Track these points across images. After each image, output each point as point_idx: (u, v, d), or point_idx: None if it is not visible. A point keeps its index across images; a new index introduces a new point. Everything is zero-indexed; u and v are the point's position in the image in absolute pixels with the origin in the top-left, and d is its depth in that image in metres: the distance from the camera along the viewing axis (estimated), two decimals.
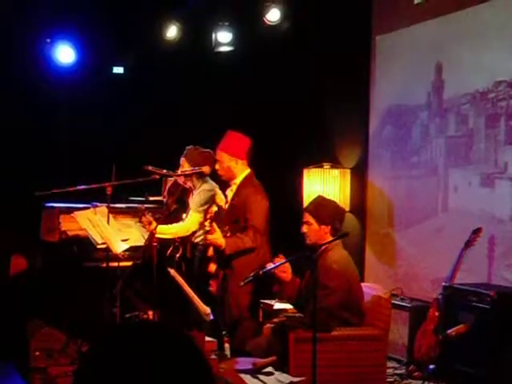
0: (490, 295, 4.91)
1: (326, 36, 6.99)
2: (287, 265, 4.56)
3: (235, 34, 7.23)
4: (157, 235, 5.11)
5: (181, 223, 5.78)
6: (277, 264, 4.45)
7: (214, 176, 5.64)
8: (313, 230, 4.58)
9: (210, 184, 5.81)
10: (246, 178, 5.22)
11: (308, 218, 4.61)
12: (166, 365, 1.27)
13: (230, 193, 5.28)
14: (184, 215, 5.86)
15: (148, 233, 5.34)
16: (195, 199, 5.77)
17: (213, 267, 5.26)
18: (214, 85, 7.63)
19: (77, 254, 6.10)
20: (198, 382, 1.30)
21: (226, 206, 5.28)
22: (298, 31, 7.04)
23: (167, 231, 5.61)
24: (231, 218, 5.14)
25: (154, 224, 5.16)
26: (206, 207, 5.66)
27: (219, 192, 5.75)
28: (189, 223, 5.74)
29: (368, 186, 6.97)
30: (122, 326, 1.52)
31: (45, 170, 7.20)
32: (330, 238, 4.48)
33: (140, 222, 5.45)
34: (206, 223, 4.88)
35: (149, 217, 5.35)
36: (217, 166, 5.28)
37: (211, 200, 5.71)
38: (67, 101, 7.64)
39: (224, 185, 5.47)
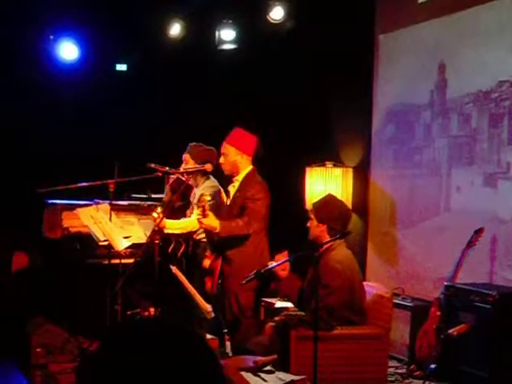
0: (492, 295, 4.91)
1: (330, 34, 6.98)
2: (287, 262, 4.59)
3: (239, 32, 7.23)
4: (166, 231, 5.08)
5: (188, 218, 5.71)
6: (279, 262, 4.47)
7: (216, 173, 5.64)
8: (313, 226, 4.67)
9: (213, 181, 5.79)
10: (248, 174, 5.20)
11: (310, 213, 4.72)
12: (176, 364, 1.25)
13: (232, 189, 5.27)
14: (188, 212, 5.83)
15: (151, 230, 5.31)
16: (199, 196, 5.72)
17: (207, 262, 5.25)
18: (217, 82, 7.63)
19: (79, 251, 6.10)
20: (208, 382, 1.28)
21: (228, 202, 5.27)
22: (302, 29, 7.03)
23: (176, 226, 5.53)
24: (233, 214, 5.14)
25: (162, 219, 5.14)
26: (211, 203, 5.60)
27: (221, 189, 5.72)
28: (196, 219, 5.68)
29: (370, 184, 6.96)
30: (130, 325, 1.50)
31: (47, 167, 7.20)
32: (328, 237, 4.51)
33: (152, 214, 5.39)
34: (199, 211, 4.86)
35: (159, 212, 5.30)
36: (221, 160, 5.23)
37: (215, 196, 5.67)
38: (70, 98, 7.63)
39: (226, 181, 5.46)
